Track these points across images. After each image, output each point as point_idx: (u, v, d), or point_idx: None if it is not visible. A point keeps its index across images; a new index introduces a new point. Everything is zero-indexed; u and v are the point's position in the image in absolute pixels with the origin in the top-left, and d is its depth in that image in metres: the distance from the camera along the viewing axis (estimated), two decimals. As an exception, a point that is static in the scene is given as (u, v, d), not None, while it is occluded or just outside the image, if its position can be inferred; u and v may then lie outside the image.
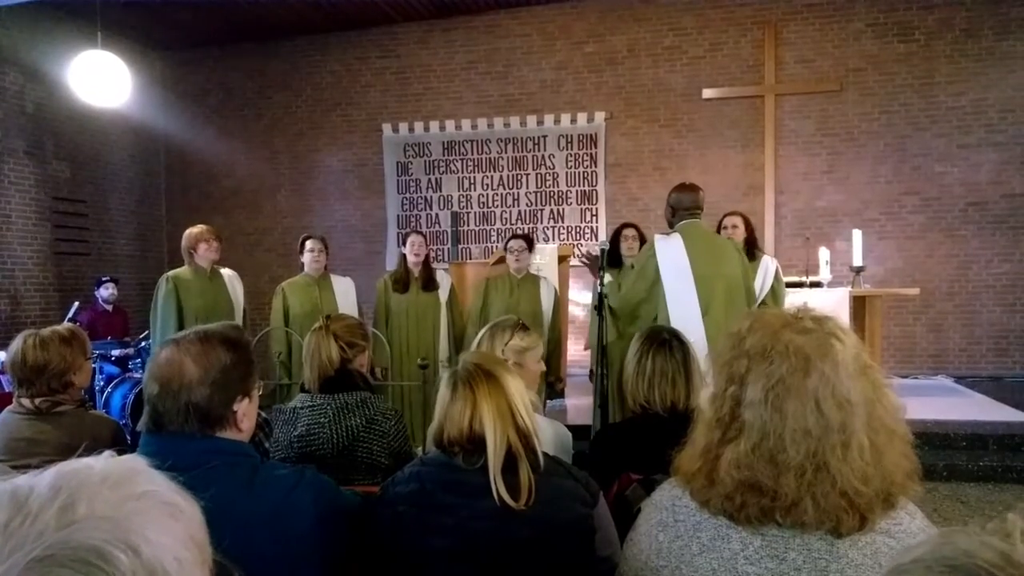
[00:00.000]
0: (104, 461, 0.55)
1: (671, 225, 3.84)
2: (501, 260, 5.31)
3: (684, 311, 3.55)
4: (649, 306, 3.70)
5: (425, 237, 5.20)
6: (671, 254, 3.65)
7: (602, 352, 3.88)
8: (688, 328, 3.11)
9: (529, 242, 5.01)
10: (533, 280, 4.98)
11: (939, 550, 0.55)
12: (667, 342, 2.22)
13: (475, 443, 1.47)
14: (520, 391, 1.55)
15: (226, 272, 4.93)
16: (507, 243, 5.02)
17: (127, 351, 6.01)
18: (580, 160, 8.58)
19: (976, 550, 0.52)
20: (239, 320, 4.72)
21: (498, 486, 1.41)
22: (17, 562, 0.44)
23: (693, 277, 3.61)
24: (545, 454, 1.53)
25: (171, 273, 4.75)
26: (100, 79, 6.39)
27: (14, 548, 0.45)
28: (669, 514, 1.20)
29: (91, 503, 0.50)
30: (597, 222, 8.52)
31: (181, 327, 4.29)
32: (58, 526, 0.47)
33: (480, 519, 1.42)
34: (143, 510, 0.52)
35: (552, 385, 4.84)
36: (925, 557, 0.55)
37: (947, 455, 4.86)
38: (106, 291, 7.09)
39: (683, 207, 3.77)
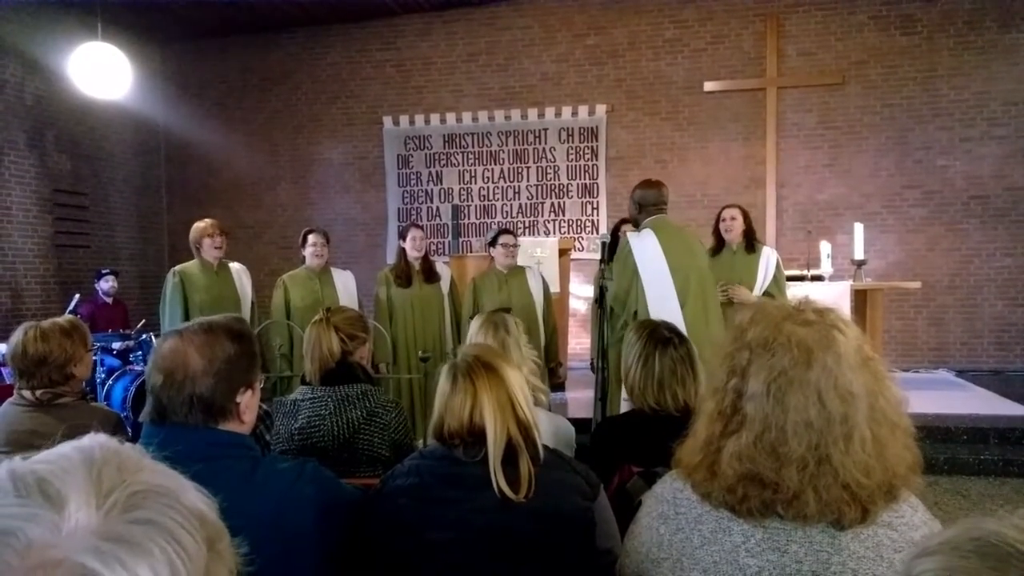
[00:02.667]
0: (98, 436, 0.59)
1: (636, 222, 3.96)
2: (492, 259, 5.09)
3: (663, 304, 3.61)
4: (630, 300, 3.77)
5: (424, 231, 5.17)
6: (646, 249, 3.73)
7: (603, 345, 3.89)
8: (669, 320, 3.14)
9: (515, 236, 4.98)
10: (520, 272, 4.89)
11: (968, 533, 0.55)
12: (669, 340, 2.17)
13: (475, 435, 1.47)
14: (520, 383, 1.55)
15: (235, 266, 4.89)
16: (496, 238, 4.88)
17: (128, 343, 6.00)
18: (581, 153, 8.56)
19: (1006, 532, 0.53)
20: (246, 315, 4.70)
21: (498, 478, 1.41)
22: (120, 497, 0.50)
23: (670, 270, 3.69)
24: (545, 447, 1.53)
25: (178, 268, 4.73)
26: (100, 71, 6.38)
27: (110, 488, 0.50)
28: (670, 506, 1.20)
29: (133, 460, 0.55)
30: (598, 215, 8.50)
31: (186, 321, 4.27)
32: (129, 474, 0.53)
33: (480, 512, 1.42)
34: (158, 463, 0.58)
35: (554, 371, 4.79)
36: (953, 539, 0.56)
37: (948, 449, 4.85)
38: (106, 283, 7.08)
39: (651, 203, 3.88)
